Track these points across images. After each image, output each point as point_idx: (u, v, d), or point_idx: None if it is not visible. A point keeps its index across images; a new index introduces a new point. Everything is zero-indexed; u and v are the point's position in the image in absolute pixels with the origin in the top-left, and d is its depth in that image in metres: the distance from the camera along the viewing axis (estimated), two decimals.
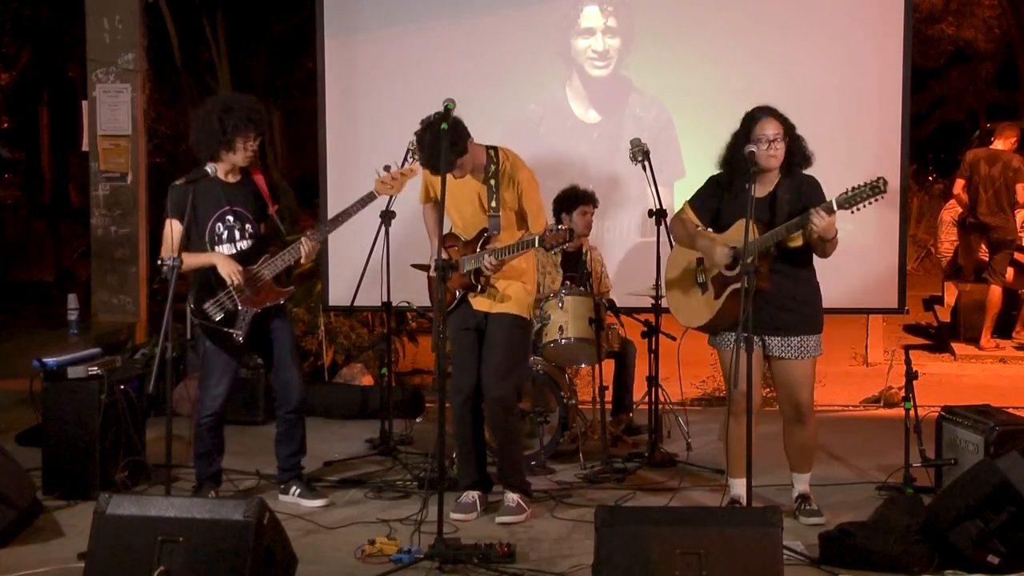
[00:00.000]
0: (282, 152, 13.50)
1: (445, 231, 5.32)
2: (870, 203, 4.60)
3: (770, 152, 4.80)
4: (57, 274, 13.14)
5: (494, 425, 5.19)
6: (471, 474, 5.31)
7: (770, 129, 4.82)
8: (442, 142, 4.82)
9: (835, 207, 4.63)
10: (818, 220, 4.64)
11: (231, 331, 5.22)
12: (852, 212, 4.67)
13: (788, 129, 4.86)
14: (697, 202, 5.08)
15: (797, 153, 4.89)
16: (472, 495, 5.24)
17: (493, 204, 5.07)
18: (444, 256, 5.18)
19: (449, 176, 5.07)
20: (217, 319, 5.23)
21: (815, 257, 5.00)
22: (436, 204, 5.22)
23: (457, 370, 5.30)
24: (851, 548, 4.43)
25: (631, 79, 7.11)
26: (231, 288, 5.19)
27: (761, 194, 4.82)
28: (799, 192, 4.88)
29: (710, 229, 5.02)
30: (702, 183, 5.12)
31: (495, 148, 5.17)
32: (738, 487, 4.92)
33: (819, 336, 4.99)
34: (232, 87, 11.85)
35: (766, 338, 4.91)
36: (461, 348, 5.26)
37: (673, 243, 5.32)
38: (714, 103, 6.85)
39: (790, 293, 4.87)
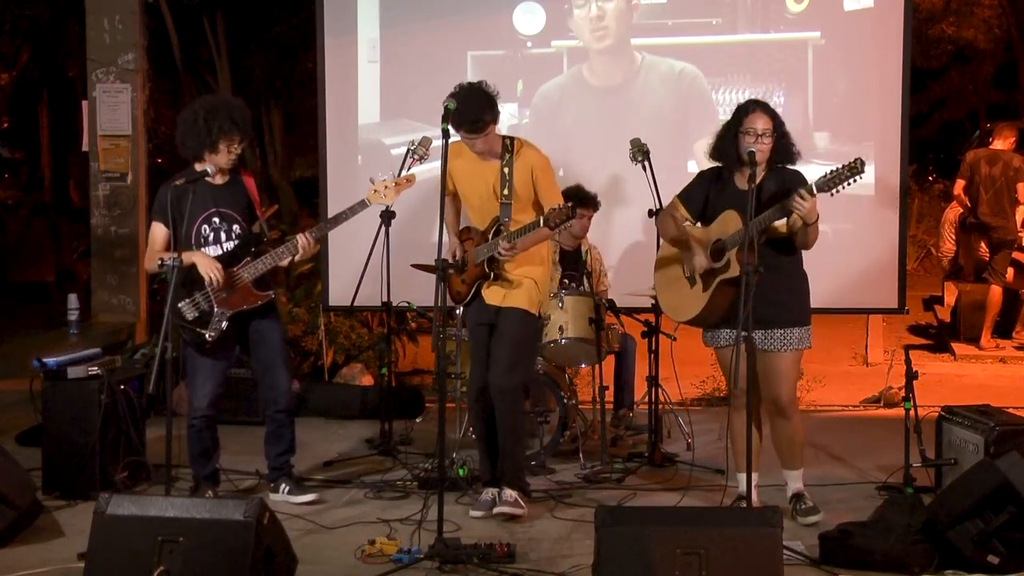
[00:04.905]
0: (282, 152, 13.49)
1: (463, 225, 5.35)
2: (849, 184, 4.64)
3: (758, 145, 4.83)
4: (57, 274, 13.14)
5: (497, 417, 5.19)
6: (488, 470, 5.32)
7: (760, 123, 4.86)
8: (444, 139, 4.89)
9: (815, 190, 4.67)
10: (799, 203, 4.65)
11: (202, 331, 5.21)
12: (831, 195, 4.70)
13: (777, 125, 4.91)
14: (686, 196, 5.11)
15: (782, 150, 4.93)
16: (491, 492, 5.24)
17: (506, 192, 5.10)
18: (459, 252, 5.22)
19: (466, 160, 5.13)
20: (190, 318, 5.22)
21: (806, 253, 5.04)
22: (453, 198, 5.24)
23: (471, 367, 5.34)
24: (851, 548, 4.43)
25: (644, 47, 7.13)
26: (208, 288, 5.18)
27: (747, 187, 4.82)
28: (783, 183, 4.91)
29: (699, 224, 5.05)
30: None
31: (511, 137, 5.23)
32: (745, 482, 4.93)
33: (805, 328, 4.99)
34: (232, 87, 11.85)
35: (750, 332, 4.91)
36: (475, 344, 5.31)
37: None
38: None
39: (773, 285, 4.85)
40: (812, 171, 5.10)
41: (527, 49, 7.20)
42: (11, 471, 5.02)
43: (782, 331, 4.93)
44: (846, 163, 4.61)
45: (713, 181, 5.04)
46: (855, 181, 4.65)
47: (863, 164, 4.60)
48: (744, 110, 4.92)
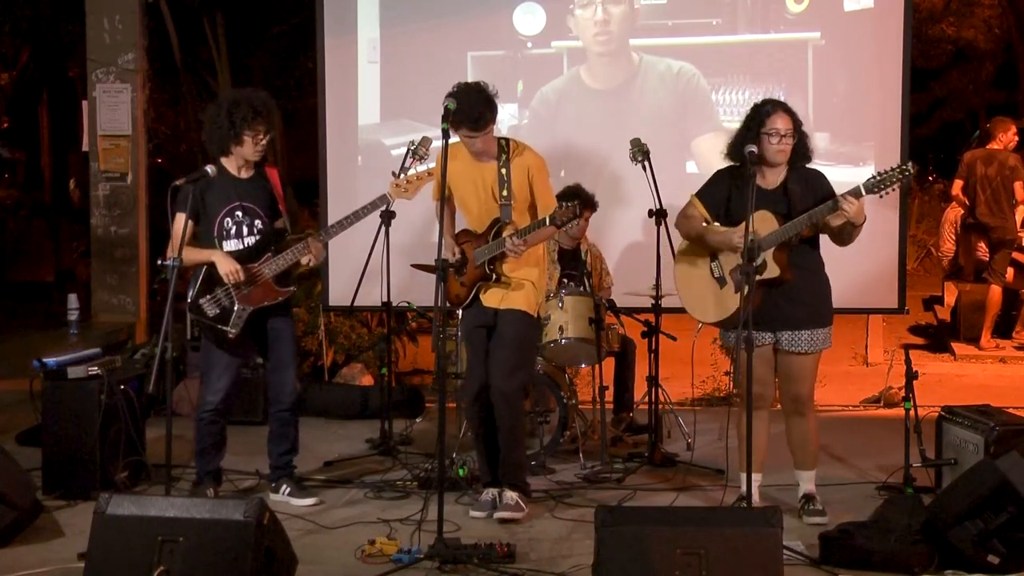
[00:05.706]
0: (282, 152, 13.50)
1: (459, 228, 5.35)
2: (896, 187, 4.69)
3: (780, 147, 4.85)
4: (57, 274, 13.14)
5: (498, 420, 5.18)
6: (488, 472, 5.31)
7: (781, 124, 4.87)
8: (444, 139, 4.89)
9: (863, 191, 4.69)
10: (848, 206, 4.68)
11: (224, 328, 5.22)
12: (881, 196, 4.76)
13: (796, 124, 4.92)
14: (706, 195, 5.09)
15: (802, 148, 4.96)
16: (491, 492, 5.24)
17: (504, 193, 5.10)
18: (457, 252, 5.21)
19: (462, 163, 5.12)
20: (211, 315, 5.23)
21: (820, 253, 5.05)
22: (447, 200, 5.24)
23: (468, 369, 5.32)
24: (851, 548, 4.43)
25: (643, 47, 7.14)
26: (229, 285, 5.20)
27: (771, 186, 4.90)
28: (807, 183, 4.93)
29: (717, 223, 5.03)
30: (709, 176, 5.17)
31: (506, 138, 5.23)
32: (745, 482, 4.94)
33: (829, 329, 5.03)
34: (232, 87, 11.86)
35: (777, 333, 4.93)
36: (473, 347, 5.28)
37: (676, 239, 5.32)
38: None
39: (801, 286, 4.90)
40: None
41: (527, 49, 7.20)
42: (11, 471, 5.02)
43: (810, 332, 4.95)
44: (896, 165, 4.67)
45: (734, 180, 5.01)
46: (904, 183, 4.72)
47: (914, 166, 4.69)
48: (766, 111, 4.90)
